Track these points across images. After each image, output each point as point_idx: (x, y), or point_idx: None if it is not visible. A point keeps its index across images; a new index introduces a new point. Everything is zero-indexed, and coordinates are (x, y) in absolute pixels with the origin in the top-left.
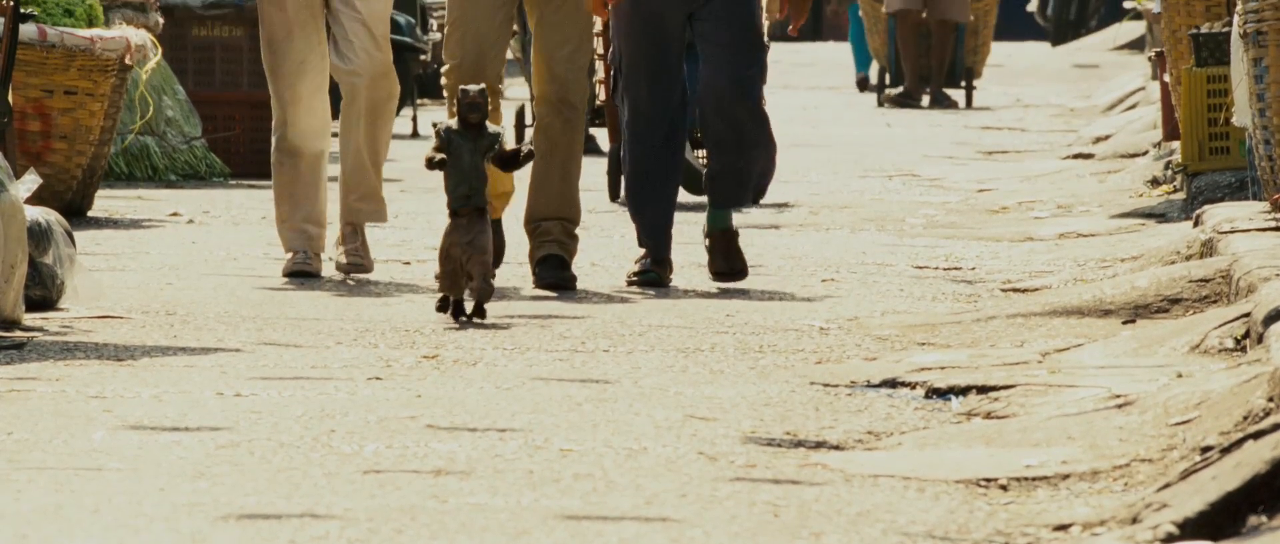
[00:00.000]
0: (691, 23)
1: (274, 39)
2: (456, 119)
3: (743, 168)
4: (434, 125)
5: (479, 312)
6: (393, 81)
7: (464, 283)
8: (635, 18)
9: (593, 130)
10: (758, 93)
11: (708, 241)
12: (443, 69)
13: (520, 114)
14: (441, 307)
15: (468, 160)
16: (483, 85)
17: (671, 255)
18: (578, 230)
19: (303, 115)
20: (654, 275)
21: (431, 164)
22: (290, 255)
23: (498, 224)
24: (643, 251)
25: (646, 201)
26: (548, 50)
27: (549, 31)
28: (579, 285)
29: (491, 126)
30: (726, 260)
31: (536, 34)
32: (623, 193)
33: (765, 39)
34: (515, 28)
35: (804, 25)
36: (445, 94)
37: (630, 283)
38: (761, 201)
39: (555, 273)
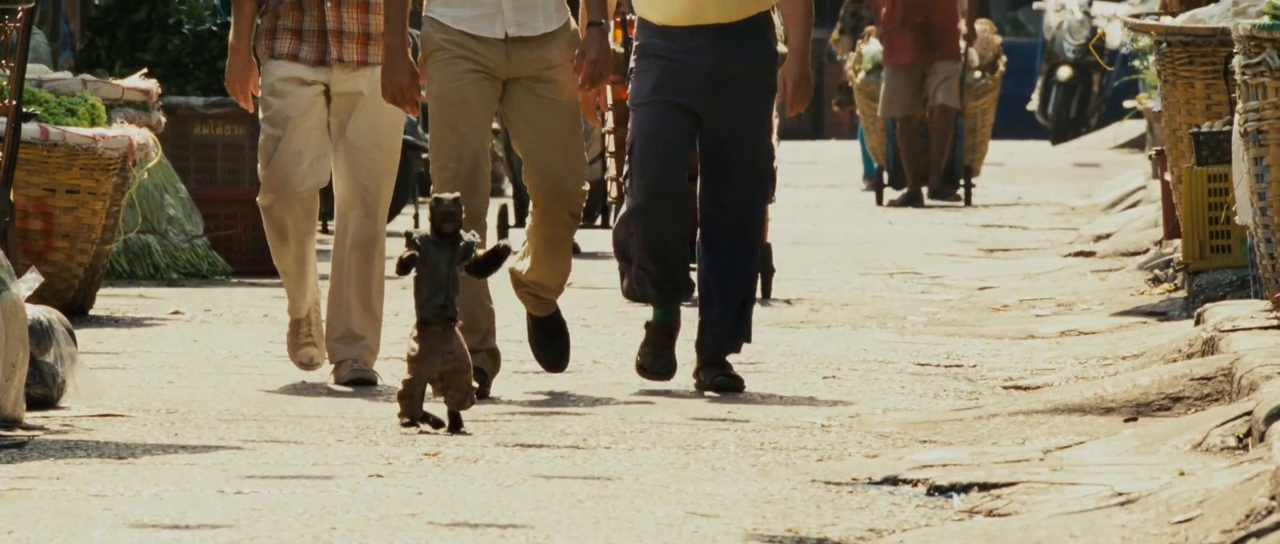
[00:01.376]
0: (700, 130)
1: (273, 123)
2: (431, 226)
3: (737, 313)
4: (408, 234)
5: (457, 424)
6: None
7: (437, 395)
8: (650, 107)
9: (588, 230)
10: (759, 226)
11: (699, 366)
12: (433, 188)
13: (503, 214)
14: (408, 422)
15: (443, 270)
16: (457, 194)
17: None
18: (565, 284)
19: (293, 202)
20: (661, 369)
21: (403, 265)
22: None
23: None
24: (645, 341)
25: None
26: (543, 160)
27: (543, 139)
28: (581, 383)
29: (466, 234)
30: (720, 380)
31: (528, 145)
32: (629, 284)
33: (775, 160)
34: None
35: (806, 124)
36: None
37: (641, 374)
38: (763, 302)
39: (548, 319)
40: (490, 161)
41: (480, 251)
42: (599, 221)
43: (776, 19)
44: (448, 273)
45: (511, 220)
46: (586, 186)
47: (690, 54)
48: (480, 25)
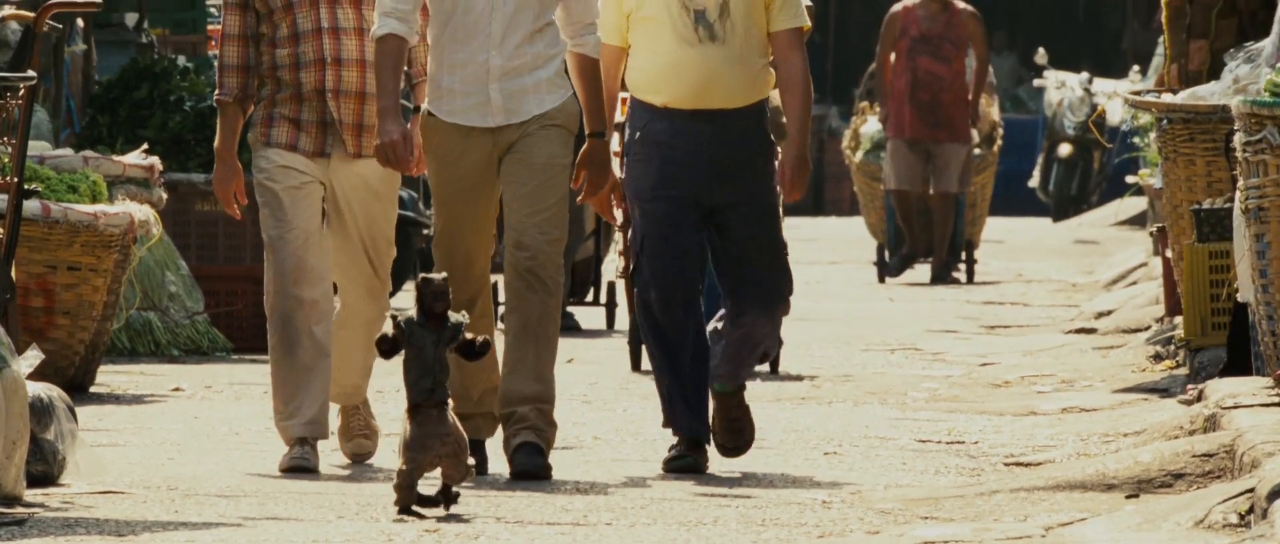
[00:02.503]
0: (711, 219)
1: (275, 207)
2: (416, 308)
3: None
4: (392, 317)
5: (451, 499)
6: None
7: (432, 467)
8: (656, 198)
9: (572, 308)
10: (779, 301)
11: (712, 410)
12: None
13: (495, 292)
14: (405, 510)
15: (430, 352)
16: (446, 274)
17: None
18: (554, 414)
19: (305, 293)
20: (689, 460)
21: (387, 346)
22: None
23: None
24: (675, 438)
25: (667, 374)
26: (518, 221)
27: (520, 202)
28: (582, 459)
29: (453, 316)
30: (730, 433)
31: (507, 206)
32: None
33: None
34: None
35: (806, 200)
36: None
37: (667, 470)
38: (764, 373)
39: (531, 460)
40: (490, 254)
41: (468, 335)
42: (591, 297)
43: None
44: (435, 355)
45: (500, 297)
46: (560, 258)
47: (693, 139)
48: (471, 116)
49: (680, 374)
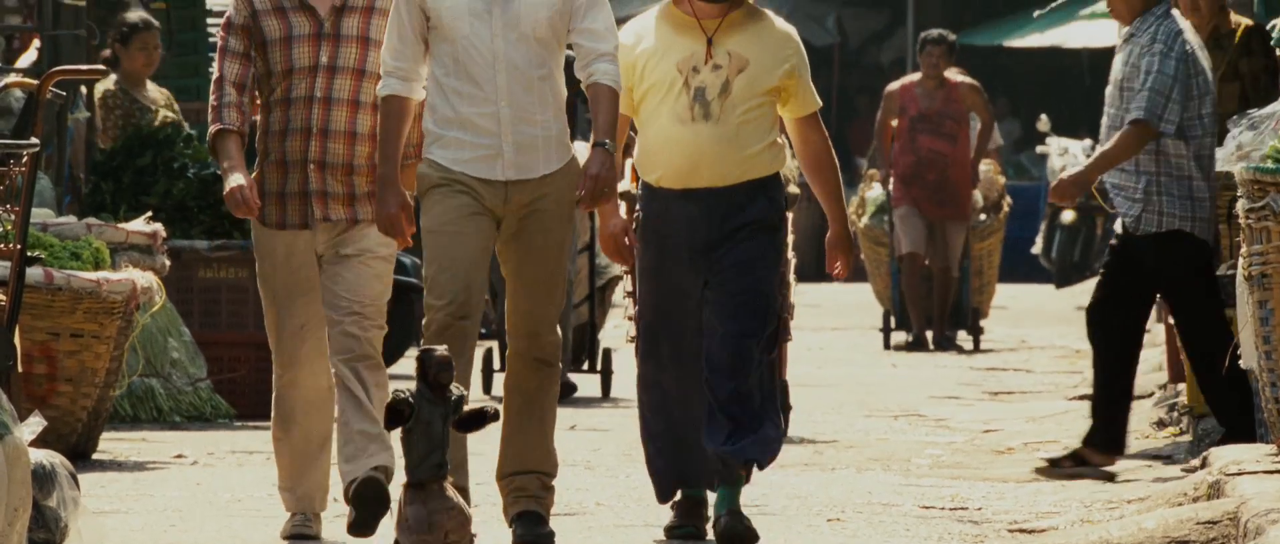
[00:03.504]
0: (705, 287)
1: (274, 301)
2: (419, 382)
3: (739, 447)
4: (397, 392)
5: None
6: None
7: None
8: (655, 277)
9: (573, 375)
10: (754, 358)
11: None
12: (426, 320)
13: (487, 358)
14: None
15: (438, 427)
16: (446, 347)
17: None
18: (553, 482)
19: (305, 377)
20: (690, 529)
21: (394, 418)
22: (289, 517)
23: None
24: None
25: (659, 454)
26: (518, 301)
27: (521, 281)
28: (584, 526)
29: (456, 388)
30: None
31: (515, 292)
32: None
33: (777, 305)
34: None
35: (810, 266)
36: (425, 339)
37: (670, 537)
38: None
39: (532, 530)
40: (483, 297)
41: (467, 407)
42: (587, 365)
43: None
44: (443, 430)
45: (496, 365)
46: (557, 334)
47: (681, 220)
48: (480, 167)
49: (674, 433)
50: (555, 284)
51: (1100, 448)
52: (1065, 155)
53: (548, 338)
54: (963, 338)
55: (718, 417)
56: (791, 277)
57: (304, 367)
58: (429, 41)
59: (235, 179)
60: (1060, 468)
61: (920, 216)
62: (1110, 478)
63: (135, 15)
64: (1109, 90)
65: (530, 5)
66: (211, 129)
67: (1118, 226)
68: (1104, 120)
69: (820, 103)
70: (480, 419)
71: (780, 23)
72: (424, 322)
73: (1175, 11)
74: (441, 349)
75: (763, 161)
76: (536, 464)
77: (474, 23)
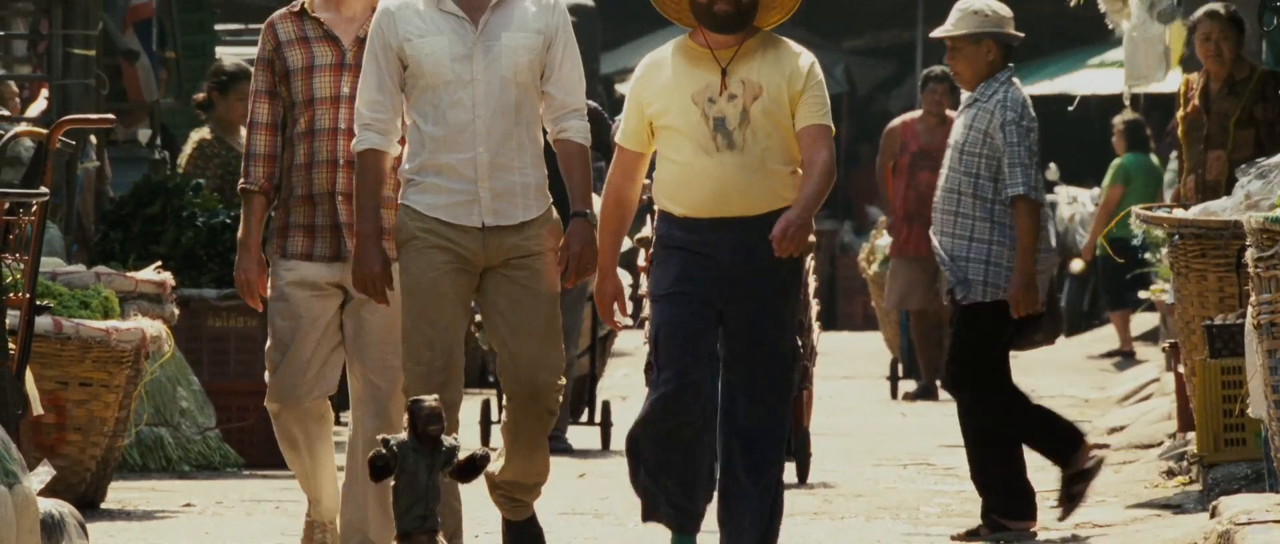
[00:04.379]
0: (722, 326)
1: (283, 328)
2: (409, 432)
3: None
4: (384, 439)
5: None
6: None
7: None
8: (671, 303)
9: (572, 428)
10: (784, 426)
11: None
12: (405, 383)
13: (485, 409)
14: None
15: (423, 478)
16: (435, 400)
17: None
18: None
19: (297, 412)
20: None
21: (377, 470)
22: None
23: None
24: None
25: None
26: (514, 349)
27: (514, 329)
28: (588, 539)
29: (447, 439)
30: None
31: (507, 340)
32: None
33: (799, 346)
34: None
35: (819, 315)
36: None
37: None
38: (799, 485)
39: (525, 531)
40: (464, 354)
41: (461, 456)
42: (586, 418)
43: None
44: (428, 481)
45: (495, 416)
46: (562, 381)
47: (712, 247)
48: (457, 213)
49: (682, 469)
50: (552, 328)
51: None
52: (1074, 204)
53: (550, 385)
54: None
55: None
56: (814, 321)
57: (298, 403)
58: (406, 88)
59: (243, 267)
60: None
61: (917, 264)
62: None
63: (232, 63)
64: (948, 152)
65: (511, 49)
66: (240, 182)
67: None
68: (940, 181)
69: (831, 124)
70: (474, 467)
71: (796, 47)
72: (402, 386)
73: (1016, 79)
74: (431, 399)
75: (788, 190)
76: (529, 479)
77: (455, 67)
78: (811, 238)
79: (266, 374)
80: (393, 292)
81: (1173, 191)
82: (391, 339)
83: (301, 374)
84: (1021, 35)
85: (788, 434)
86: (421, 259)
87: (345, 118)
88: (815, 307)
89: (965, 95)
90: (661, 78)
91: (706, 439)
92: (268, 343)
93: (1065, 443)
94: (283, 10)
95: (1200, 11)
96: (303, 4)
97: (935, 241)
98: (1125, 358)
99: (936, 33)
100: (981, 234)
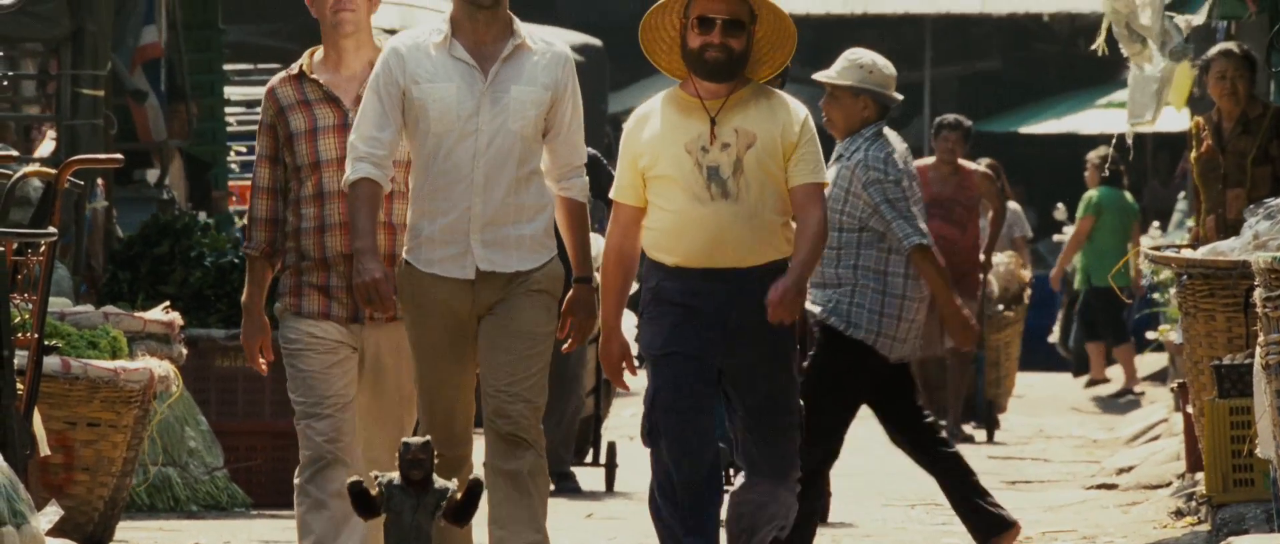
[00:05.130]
0: (722, 378)
1: (305, 385)
2: (399, 474)
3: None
4: (375, 477)
5: None
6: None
7: None
8: (668, 356)
9: (573, 468)
10: (795, 473)
11: None
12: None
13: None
14: None
15: (408, 519)
16: (427, 439)
17: None
18: None
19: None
20: None
21: (360, 504)
22: None
23: None
24: None
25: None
26: (499, 390)
27: (502, 371)
28: None
29: (439, 482)
30: None
31: (488, 373)
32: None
33: (798, 400)
34: None
35: None
36: None
37: None
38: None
39: None
40: (472, 410)
41: (457, 495)
42: (590, 459)
43: None
44: (412, 522)
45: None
46: (538, 412)
47: (705, 299)
48: (450, 267)
49: (694, 529)
50: (537, 369)
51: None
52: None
53: (530, 421)
54: (976, 429)
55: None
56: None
57: (339, 450)
58: (407, 131)
59: (247, 331)
60: None
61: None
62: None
63: None
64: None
65: (520, 103)
66: (243, 247)
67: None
68: None
69: (826, 179)
70: (471, 502)
71: (790, 99)
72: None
73: (887, 132)
74: (418, 441)
75: (781, 241)
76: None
77: (461, 116)
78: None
79: (301, 447)
80: (390, 301)
81: (1192, 231)
82: (405, 395)
83: (337, 432)
84: (901, 98)
85: (799, 474)
86: (421, 325)
87: None
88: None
89: (836, 147)
90: (651, 129)
91: (717, 502)
92: (293, 394)
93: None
94: (281, 75)
95: (1214, 50)
96: (301, 67)
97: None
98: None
99: (818, 76)
100: (847, 278)
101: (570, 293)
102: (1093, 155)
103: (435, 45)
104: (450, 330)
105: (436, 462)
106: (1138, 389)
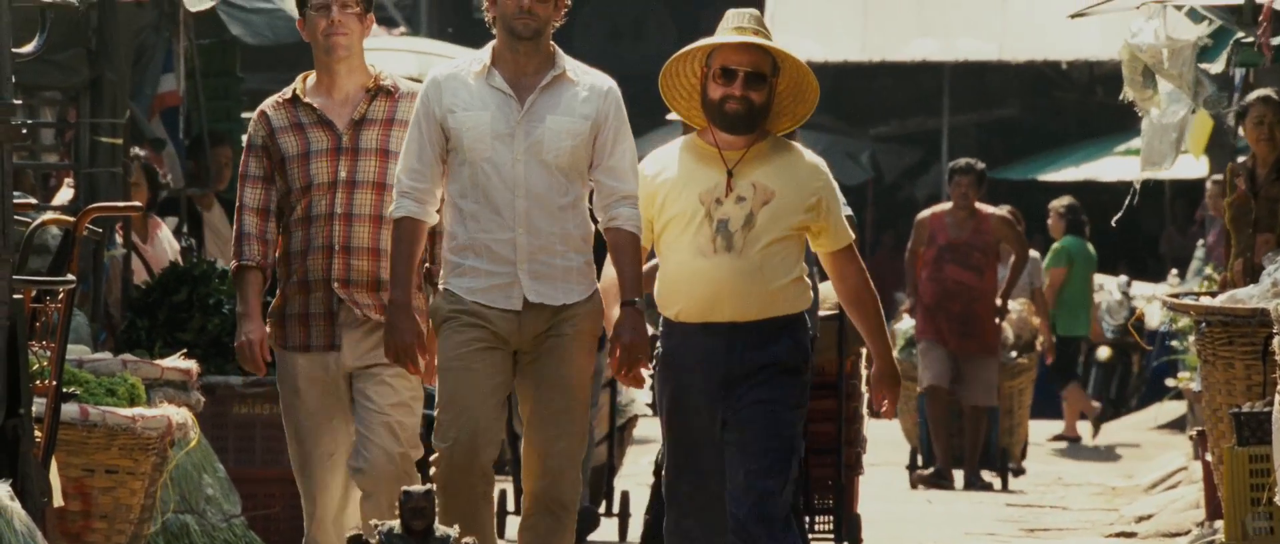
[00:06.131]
0: (724, 430)
1: (300, 431)
2: (399, 522)
3: None
4: (373, 525)
5: None
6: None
7: None
8: (674, 416)
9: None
10: (779, 509)
11: None
12: (433, 456)
13: (501, 500)
14: None
15: None
16: (430, 488)
17: None
18: None
19: (333, 508)
20: None
21: None
22: None
23: None
24: None
25: None
26: (533, 437)
27: (537, 416)
28: None
29: (441, 529)
30: None
31: (531, 424)
32: None
33: (801, 448)
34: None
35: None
36: (435, 485)
37: None
38: None
39: None
40: (499, 438)
41: (461, 542)
42: (604, 507)
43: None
44: None
45: (511, 506)
46: (578, 475)
47: (701, 355)
48: (496, 297)
49: None
50: (574, 419)
51: None
52: (1101, 292)
53: (571, 479)
54: (993, 477)
55: None
56: (864, 410)
57: (332, 495)
58: (447, 162)
59: (246, 331)
60: None
61: (944, 348)
62: None
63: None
64: None
65: (554, 133)
66: (232, 264)
67: None
68: None
69: (853, 235)
70: None
71: (809, 155)
72: (432, 470)
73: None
74: (421, 489)
75: (787, 299)
76: None
77: (496, 145)
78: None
79: (298, 477)
80: (420, 363)
81: (1222, 277)
82: (397, 391)
83: (329, 472)
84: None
85: (790, 512)
86: (454, 338)
87: (341, 202)
88: (866, 395)
89: None
90: (667, 176)
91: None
92: (290, 445)
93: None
94: (274, 98)
95: (1253, 95)
96: (294, 90)
97: None
98: (1119, 435)
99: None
100: None
101: (618, 318)
102: (1056, 204)
103: (474, 74)
104: (485, 350)
105: (457, 481)
106: (1076, 436)
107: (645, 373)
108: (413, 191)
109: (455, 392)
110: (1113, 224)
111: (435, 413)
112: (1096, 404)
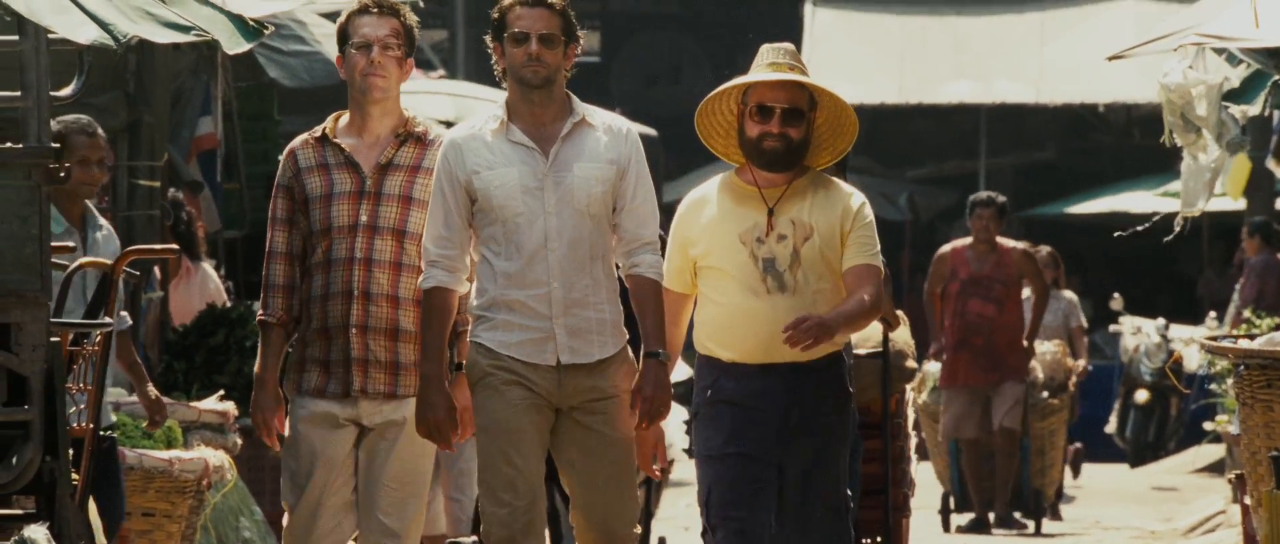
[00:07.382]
0: (781, 474)
1: (298, 469)
2: None
3: None
4: None
5: None
6: None
7: None
8: (727, 456)
9: None
10: None
11: None
12: (483, 527)
13: None
14: None
15: None
16: (475, 539)
17: None
18: None
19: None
20: None
21: None
22: None
23: None
24: None
25: None
26: (591, 498)
27: (592, 478)
28: None
29: None
30: None
31: (575, 480)
32: None
33: (849, 500)
34: None
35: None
36: None
37: None
38: None
39: None
40: (546, 501)
41: None
42: None
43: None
44: None
45: None
46: (636, 529)
47: (762, 397)
48: (531, 351)
49: None
50: (625, 476)
51: None
52: (1139, 334)
53: (625, 535)
54: (1026, 518)
55: None
56: (912, 452)
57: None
58: (475, 222)
59: (259, 404)
60: None
61: (968, 393)
62: None
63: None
64: None
65: (583, 179)
66: (258, 313)
67: None
68: None
69: (881, 263)
70: None
71: (846, 187)
72: (483, 531)
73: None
74: (469, 542)
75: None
76: None
77: (526, 199)
78: (911, 363)
79: (284, 518)
80: (452, 441)
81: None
82: (403, 474)
83: (314, 518)
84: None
85: None
86: (498, 397)
87: (362, 246)
88: (913, 439)
89: None
90: (706, 216)
91: None
92: (283, 484)
93: None
94: (304, 136)
95: None
96: (324, 129)
97: None
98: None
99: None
100: None
101: (642, 368)
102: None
103: (492, 132)
104: (531, 409)
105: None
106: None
107: (658, 468)
108: (442, 260)
109: (506, 453)
110: (1116, 236)
111: (481, 477)
112: (1077, 446)
